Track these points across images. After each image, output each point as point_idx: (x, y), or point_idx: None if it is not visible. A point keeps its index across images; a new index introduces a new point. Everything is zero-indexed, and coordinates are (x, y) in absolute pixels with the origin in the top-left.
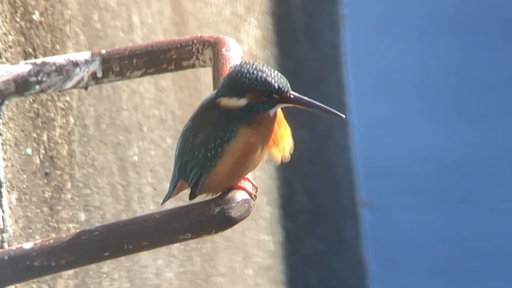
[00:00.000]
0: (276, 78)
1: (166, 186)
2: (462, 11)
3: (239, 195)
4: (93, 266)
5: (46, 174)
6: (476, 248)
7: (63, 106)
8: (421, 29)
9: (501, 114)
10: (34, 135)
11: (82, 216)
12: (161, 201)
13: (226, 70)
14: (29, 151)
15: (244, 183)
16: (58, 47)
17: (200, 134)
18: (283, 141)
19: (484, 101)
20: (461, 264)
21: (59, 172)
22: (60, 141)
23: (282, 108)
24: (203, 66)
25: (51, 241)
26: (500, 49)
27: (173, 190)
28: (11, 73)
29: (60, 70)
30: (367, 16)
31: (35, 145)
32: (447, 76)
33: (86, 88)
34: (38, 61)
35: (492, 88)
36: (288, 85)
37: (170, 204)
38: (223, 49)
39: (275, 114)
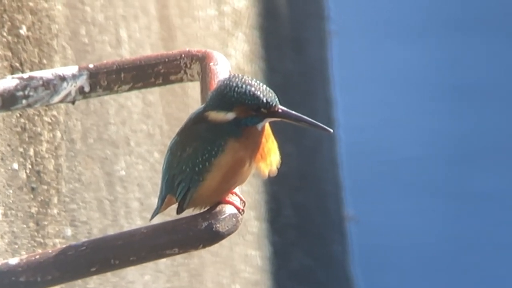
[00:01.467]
0: (265, 92)
1: (154, 200)
2: (454, 19)
3: (227, 210)
4: (79, 281)
5: (33, 189)
6: (467, 271)
7: (50, 120)
8: (408, 44)
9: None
10: (21, 149)
11: (69, 231)
12: (148, 216)
13: (214, 84)
14: (15, 166)
15: (231, 198)
16: (45, 61)
17: (187, 148)
18: (270, 156)
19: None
20: (451, 280)
21: (45, 187)
22: (47, 155)
23: (269, 123)
24: (191, 81)
25: (37, 256)
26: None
27: (161, 205)
28: None
29: (47, 84)
30: (353, 30)
31: (21, 159)
32: (437, 86)
33: (73, 102)
34: (25, 75)
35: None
36: (276, 99)
37: (158, 219)
38: (211, 64)
39: (263, 128)
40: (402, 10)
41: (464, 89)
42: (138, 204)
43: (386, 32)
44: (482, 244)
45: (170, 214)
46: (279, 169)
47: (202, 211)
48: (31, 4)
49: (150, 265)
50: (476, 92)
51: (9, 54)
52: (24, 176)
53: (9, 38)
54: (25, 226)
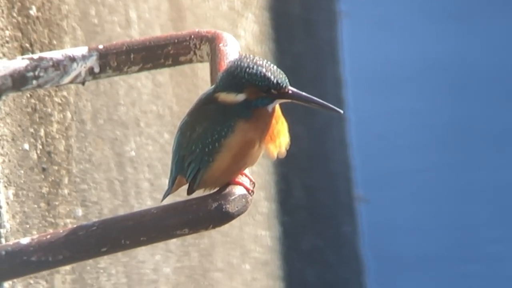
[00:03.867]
0: (275, 74)
1: (164, 181)
2: (461, 4)
3: (237, 190)
4: (90, 261)
5: (44, 169)
6: (474, 245)
7: (60, 101)
8: (418, 25)
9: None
10: (32, 130)
11: (79, 212)
12: (158, 196)
13: (224, 65)
14: (26, 146)
15: (241, 178)
16: (55, 42)
17: (197, 129)
18: (279, 137)
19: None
20: (459, 259)
21: (56, 168)
22: (57, 136)
23: (279, 104)
24: (201, 61)
25: (48, 236)
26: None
27: (172, 186)
28: (8, 68)
29: (57, 65)
30: (364, 11)
31: (32, 140)
32: (444, 70)
33: (83, 83)
34: (35, 56)
35: (492, 80)
36: (287, 80)
37: (168, 200)
38: (221, 44)
39: (273, 109)
40: None
41: (472, 75)
42: (148, 185)
43: (396, 12)
44: (489, 225)
45: (180, 194)
46: (288, 150)
47: (212, 192)
48: None
49: (160, 245)
50: (483, 81)
51: (19, 34)
52: (35, 156)
53: (19, 18)
54: (36, 206)
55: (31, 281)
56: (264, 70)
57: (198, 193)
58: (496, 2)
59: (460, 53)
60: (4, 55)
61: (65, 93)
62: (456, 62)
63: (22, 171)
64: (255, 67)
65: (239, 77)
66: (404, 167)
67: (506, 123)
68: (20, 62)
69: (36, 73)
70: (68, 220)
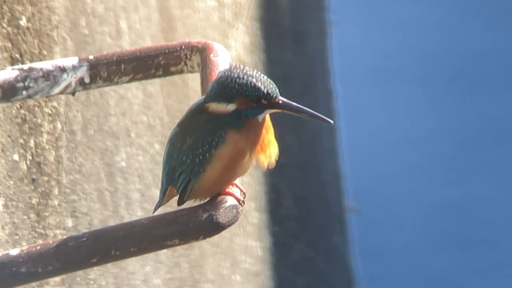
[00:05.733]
0: (265, 84)
1: (154, 192)
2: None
3: (227, 201)
4: (80, 272)
5: (33, 180)
6: (468, 255)
7: (50, 112)
8: (409, 34)
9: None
10: (21, 141)
11: (69, 222)
12: (148, 207)
13: (214, 75)
14: (16, 157)
15: (232, 189)
16: (45, 52)
17: (188, 139)
18: (270, 147)
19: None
20: (451, 271)
21: (46, 178)
22: (47, 147)
23: (270, 114)
24: (191, 72)
25: (38, 247)
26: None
27: (163, 198)
28: None
29: (47, 75)
30: (354, 22)
31: (22, 151)
32: (438, 72)
33: (73, 93)
34: (25, 66)
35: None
36: (277, 90)
37: (158, 210)
38: (211, 55)
39: (263, 119)
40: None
41: (464, 78)
42: (139, 195)
43: (386, 23)
44: (488, 225)
45: (171, 205)
46: (278, 161)
47: (202, 202)
48: None
49: (150, 256)
50: (476, 82)
51: (9, 45)
52: (25, 167)
53: (9, 29)
54: (25, 217)
55: None
56: (254, 80)
57: (189, 204)
58: None
59: (454, 54)
60: None
61: (55, 104)
62: (449, 66)
63: (12, 182)
64: (245, 77)
65: (229, 87)
66: (394, 177)
67: (500, 123)
68: (10, 73)
69: (26, 83)
70: (58, 231)
